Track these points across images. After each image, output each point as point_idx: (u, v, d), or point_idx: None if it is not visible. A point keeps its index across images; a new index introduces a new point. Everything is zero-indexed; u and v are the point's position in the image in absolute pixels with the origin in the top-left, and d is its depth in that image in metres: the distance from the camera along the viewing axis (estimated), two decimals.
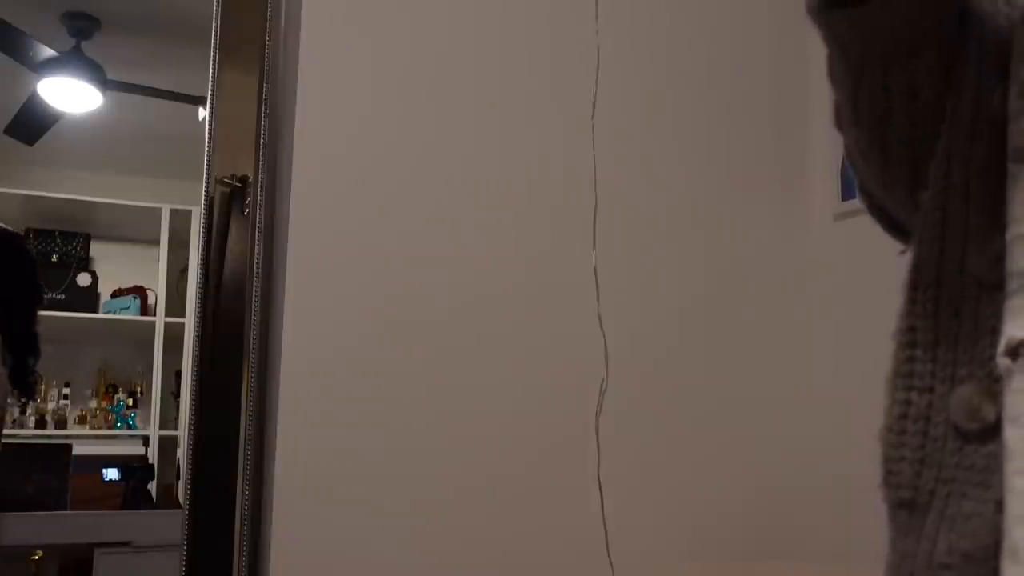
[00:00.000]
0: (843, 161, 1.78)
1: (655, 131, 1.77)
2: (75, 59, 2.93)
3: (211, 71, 1.58)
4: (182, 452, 3.58)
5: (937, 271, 0.55)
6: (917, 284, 0.56)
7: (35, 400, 3.49)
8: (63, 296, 3.71)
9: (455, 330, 1.57)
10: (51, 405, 3.71)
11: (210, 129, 1.57)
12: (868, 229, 0.70)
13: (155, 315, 3.85)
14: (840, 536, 1.65)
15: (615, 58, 1.72)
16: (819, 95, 1.86)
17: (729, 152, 1.83)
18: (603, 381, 1.64)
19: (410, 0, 1.62)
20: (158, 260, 3.87)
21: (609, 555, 1.58)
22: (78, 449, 3.19)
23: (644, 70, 1.77)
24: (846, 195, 1.76)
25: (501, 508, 1.56)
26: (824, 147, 1.83)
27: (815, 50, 0.65)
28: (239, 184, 1.55)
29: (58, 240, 3.89)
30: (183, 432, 3.67)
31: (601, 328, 1.64)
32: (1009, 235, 0.51)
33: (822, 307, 1.80)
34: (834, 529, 1.67)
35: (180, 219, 3.82)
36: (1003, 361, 0.49)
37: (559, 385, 1.62)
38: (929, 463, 0.53)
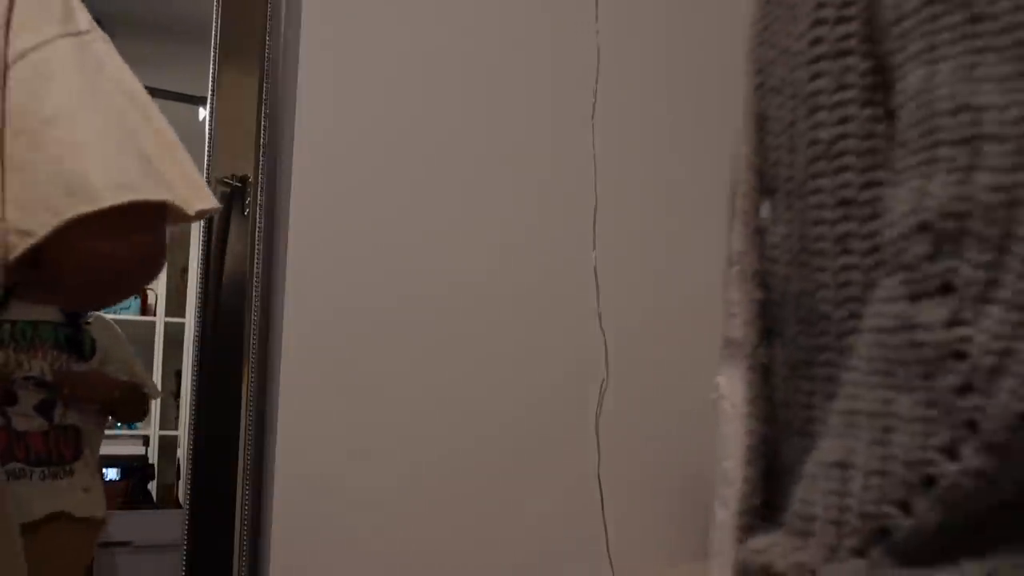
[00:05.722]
0: None
1: (655, 131, 1.77)
2: None
3: (211, 71, 1.58)
4: (182, 452, 3.57)
5: None
6: None
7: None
8: None
9: (455, 330, 1.57)
10: None
11: (210, 129, 1.57)
12: None
13: (155, 315, 3.84)
14: None
15: (615, 58, 1.72)
16: None
17: (729, 152, 1.82)
18: (603, 381, 1.64)
19: (410, 1, 1.63)
20: None
21: (609, 555, 1.58)
22: None
23: (644, 70, 1.77)
24: None
25: (501, 507, 1.56)
26: None
27: None
28: (239, 184, 1.55)
29: None
30: (183, 432, 3.67)
31: (601, 328, 1.64)
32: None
33: None
34: None
35: None
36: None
37: (559, 385, 1.62)
38: None
